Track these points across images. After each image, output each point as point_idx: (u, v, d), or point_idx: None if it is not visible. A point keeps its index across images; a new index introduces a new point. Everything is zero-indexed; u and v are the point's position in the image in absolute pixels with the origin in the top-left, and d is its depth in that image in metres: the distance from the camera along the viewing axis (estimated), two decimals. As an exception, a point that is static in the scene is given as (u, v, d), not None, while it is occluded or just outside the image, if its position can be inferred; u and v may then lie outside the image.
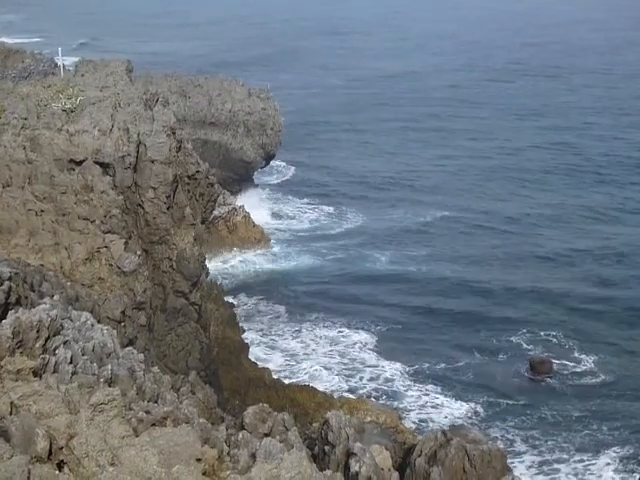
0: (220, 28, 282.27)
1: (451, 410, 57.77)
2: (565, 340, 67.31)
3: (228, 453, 19.21)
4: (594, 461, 52.04)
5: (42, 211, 42.74)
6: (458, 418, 56.54)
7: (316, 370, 62.36)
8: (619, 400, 59.48)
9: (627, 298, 75.70)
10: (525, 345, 66.72)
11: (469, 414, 57.28)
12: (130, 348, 26.57)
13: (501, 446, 48.67)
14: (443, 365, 63.97)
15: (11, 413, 16.62)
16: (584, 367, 63.49)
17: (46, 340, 21.73)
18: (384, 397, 58.80)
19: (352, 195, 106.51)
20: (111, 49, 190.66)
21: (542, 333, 68.53)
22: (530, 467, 51.60)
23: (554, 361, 63.52)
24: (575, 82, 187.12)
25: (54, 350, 21.60)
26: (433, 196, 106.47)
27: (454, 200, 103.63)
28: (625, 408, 58.43)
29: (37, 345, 21.33)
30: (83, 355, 22.31)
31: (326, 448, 29.48)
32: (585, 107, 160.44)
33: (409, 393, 59.81)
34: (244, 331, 63.47)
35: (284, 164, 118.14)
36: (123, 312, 40.27)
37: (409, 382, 61.23)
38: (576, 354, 65.27)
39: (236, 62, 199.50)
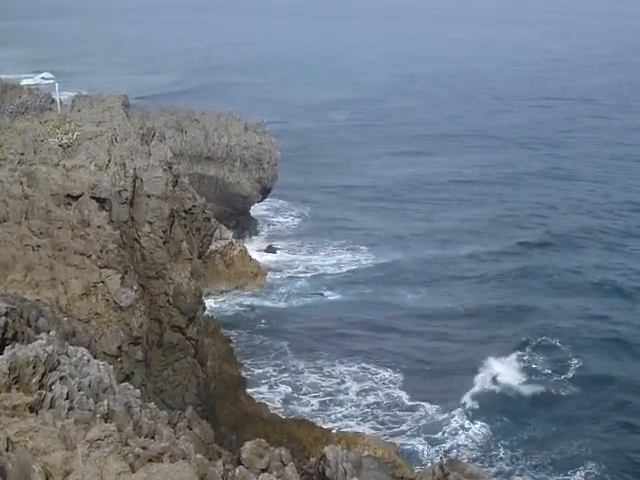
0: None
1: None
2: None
3: (225, 489, 19.09)
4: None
5: (39, 246, 42.73)
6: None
7: (357, 417, 61.40)
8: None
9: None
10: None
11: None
12: (126, 383, 26.46)
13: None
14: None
15: (7, 449, 16.55)
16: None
17: (42, 376, 21.66)
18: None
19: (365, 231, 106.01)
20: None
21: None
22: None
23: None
24: (573, 112, 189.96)
25: (50, 386, 21.51)
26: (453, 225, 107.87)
27: (477, 234, 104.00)
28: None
29: (33, 381, 21.26)
30: (79, 391, 22.22)
31: (324, 483, 29.26)
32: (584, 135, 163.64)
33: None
34: (241, 366, 63.38)
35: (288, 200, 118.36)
36: (119, 347, 40.17)
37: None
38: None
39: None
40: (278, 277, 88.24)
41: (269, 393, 63.25)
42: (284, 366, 68.10)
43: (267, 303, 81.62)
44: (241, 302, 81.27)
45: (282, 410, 60.16)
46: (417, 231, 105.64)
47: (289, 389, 64.30)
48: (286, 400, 62.44)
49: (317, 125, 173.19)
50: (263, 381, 65.16)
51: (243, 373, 64.62)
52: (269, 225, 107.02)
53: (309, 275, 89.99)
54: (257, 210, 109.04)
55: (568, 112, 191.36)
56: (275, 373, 66.79)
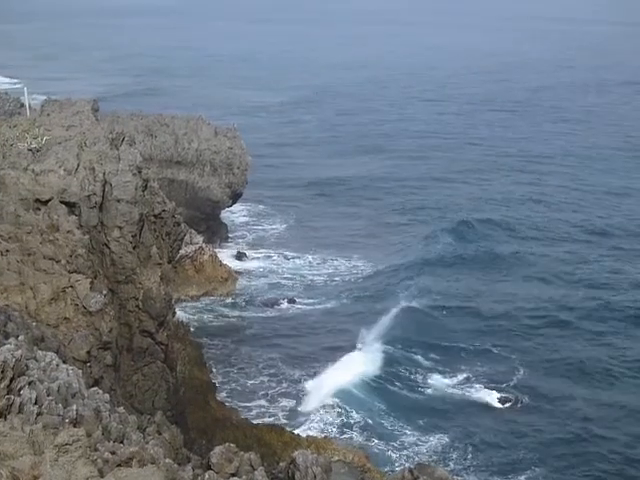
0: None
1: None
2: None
3: (194, 493, 19.12)
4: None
5: (7, 251, 42.42)
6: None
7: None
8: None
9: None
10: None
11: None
12: (96, 388, 26.42)
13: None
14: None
15: (-25, 454, 16.49)
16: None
17: (11, 381, 21.57)
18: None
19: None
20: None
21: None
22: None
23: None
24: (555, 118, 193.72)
25: (19, 391, 21.44)
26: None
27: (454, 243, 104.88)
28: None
29: (2, 386, 21.16)
30: (48, 395, 22.16)
31: (293, 487, 29.29)
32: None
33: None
34: (211, 371, 63.20)
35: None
36: (89, 352, 39.98)
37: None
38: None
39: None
40: (262, 284, 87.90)
41: (272, 408, 62.72)
42: (281, 376, 67.38)
43: (251, 310, 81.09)
44: (223, 311, 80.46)
45: (290, 424, 59.42)
46: (395, 231, 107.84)
47: (292, 402, 63.67)
48: (290, 416, 61.88)
49: (287, 127, 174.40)
50: (261, 393, 64.68)
51: (233, 384, 64.50)
52: (251, 232, 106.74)
53: (293, 281, 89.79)
54: (239, 216, 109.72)
55: (528, 113, 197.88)
56: (273, 384, 66.14)
